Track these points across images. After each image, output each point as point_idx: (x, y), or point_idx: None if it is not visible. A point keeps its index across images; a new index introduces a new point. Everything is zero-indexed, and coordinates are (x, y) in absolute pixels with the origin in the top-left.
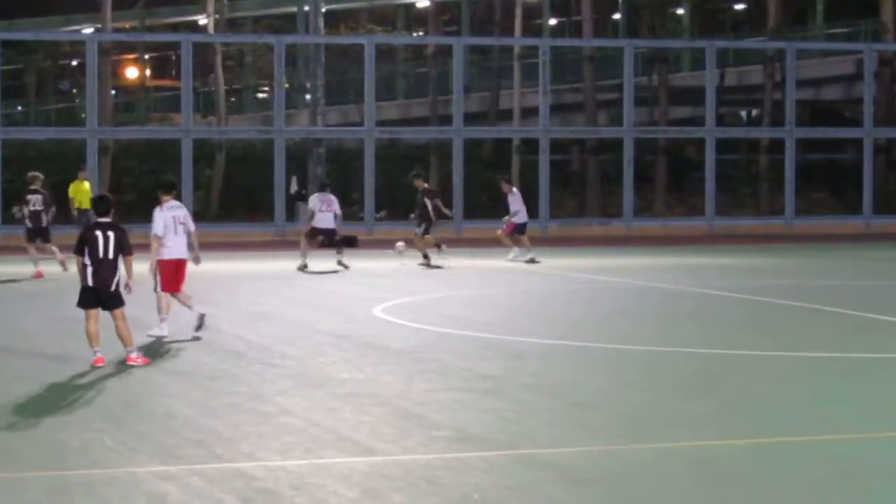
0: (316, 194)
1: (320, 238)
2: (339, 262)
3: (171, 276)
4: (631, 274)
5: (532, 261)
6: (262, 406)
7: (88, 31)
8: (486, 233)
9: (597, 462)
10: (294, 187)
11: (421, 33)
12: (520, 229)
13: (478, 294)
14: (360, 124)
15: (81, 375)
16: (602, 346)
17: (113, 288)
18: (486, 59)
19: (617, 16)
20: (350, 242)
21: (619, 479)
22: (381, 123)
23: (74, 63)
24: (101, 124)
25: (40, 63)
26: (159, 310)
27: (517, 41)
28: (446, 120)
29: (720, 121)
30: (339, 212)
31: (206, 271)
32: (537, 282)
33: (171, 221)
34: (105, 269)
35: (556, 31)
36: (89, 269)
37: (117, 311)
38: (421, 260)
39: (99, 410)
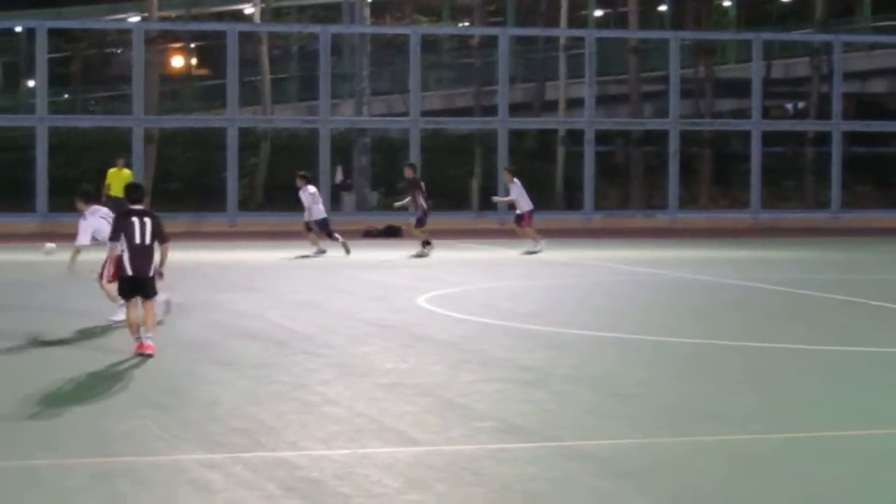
0: (303, 189)
1: (316, 228)
2: (344, 245)
3: (115, 265)
4: (674, 266)
5: (530, 252)
6: (305, 395)
7: (135, 19)
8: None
9: (638, 454)
10: (339, 177)
11: (466, 24)
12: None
13: (520, 285)
14: (405, 114)
15: (123, 364)
16: (643, 338)
17: (150, 274)
18: (532, 50)
19: (663, 7)
20: (394, 233)
21: (660, 472)
22: (425, 114)
23: (120, 51)
24: (147, 113)
25: (86, 51)
26: (111, 298)
27: (562, 32)
28: (491, 110)
29: (766, 113)
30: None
31: (251, 260)
32: (580, 274)
33: (101, 223)
34: (142, 256)
35: (602, 23)
36: (126, 256)
37: (153, 299)
38: (421, 249)
39: (142, 398)
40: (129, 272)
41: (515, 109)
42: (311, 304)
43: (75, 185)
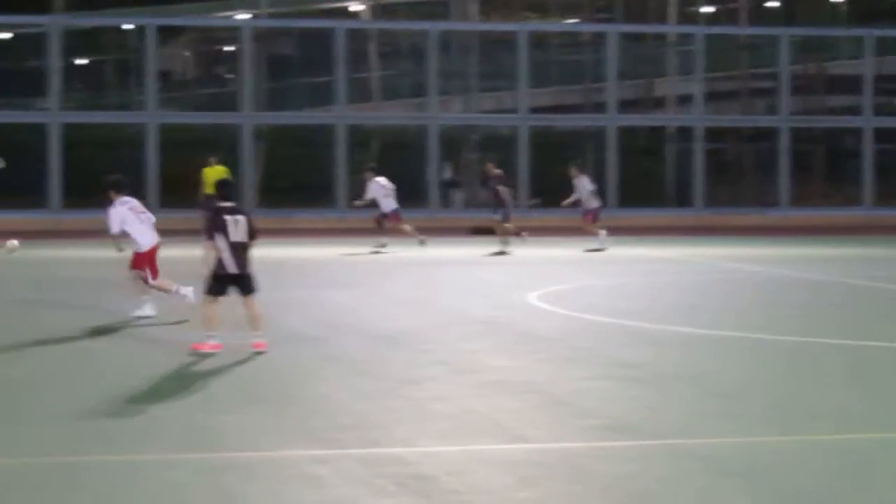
0: (374, 182)
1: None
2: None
3: (152, 263)
4: (782, 263)
5: (598, 249)
6: (414, 392)
7: (244, 16)
8: (643, 221)
9: (741, 453)
10: (448, 174)
11: (575, 20)
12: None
13: (624, 282)
14: (514, 111)
15: (226, 360)
16: (745, 335)
17: (250, 270)
18: (641, 47)
19: (773, 3)
20: (488, 231)
21: (765, 471)
22: (534, 110)
23: (230, 48)
24: (257, 109)
25: (196, 48)
26: (166, 290)
27: (672, 28)
28: (600, 107)
29: (878, 110)
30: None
31: (358, 258)
32: (683, 271)
33: (128, 215)
34: (241, 252)
35: (712, 19)
36: (226, 254)
37: (254, 295)
38: (499, 247)
39: (248, 394)
40: (231, 269)
41: (624, 106)
42: (417, 300)
43: (182, 182)
